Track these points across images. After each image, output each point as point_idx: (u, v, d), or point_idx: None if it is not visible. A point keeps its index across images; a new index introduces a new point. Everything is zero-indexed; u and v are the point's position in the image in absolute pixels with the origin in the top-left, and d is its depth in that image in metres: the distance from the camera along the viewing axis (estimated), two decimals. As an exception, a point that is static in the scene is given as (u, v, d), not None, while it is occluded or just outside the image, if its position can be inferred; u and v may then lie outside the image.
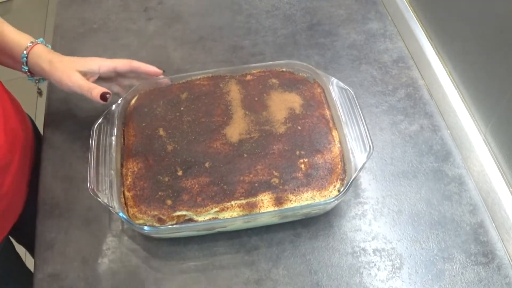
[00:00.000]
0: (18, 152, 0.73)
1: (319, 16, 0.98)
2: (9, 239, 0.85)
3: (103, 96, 0.68)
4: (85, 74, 0.71)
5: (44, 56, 0.70)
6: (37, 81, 0.76)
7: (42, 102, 0.88)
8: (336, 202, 0.66)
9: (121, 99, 0.74)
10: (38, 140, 0.84)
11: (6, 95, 0.74)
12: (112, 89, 0.75)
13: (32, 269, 0.69)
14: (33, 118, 0.89)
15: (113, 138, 0.69)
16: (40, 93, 0.81)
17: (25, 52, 0.70)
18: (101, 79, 0.73)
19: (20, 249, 0.94)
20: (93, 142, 0.69)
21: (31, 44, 0.71)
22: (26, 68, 0.72)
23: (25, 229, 0.76)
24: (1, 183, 0.69)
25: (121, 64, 0.73)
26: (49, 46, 0.74)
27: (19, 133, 0.75)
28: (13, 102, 0.77)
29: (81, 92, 0.69)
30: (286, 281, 0.66)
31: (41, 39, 0.73)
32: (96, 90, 0.68)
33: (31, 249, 0.78)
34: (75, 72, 0.69)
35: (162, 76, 0.77)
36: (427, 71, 0.87)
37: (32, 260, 0.70)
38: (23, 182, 0.77)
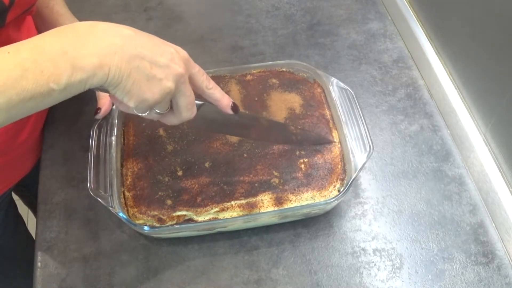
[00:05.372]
0: None
1: (319, 16, 0.98)
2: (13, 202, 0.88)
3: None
4: None
5: None
6: None
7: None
8: (336, 202, 0.66)
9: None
10: None
11: None
12: None
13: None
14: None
15: (113, 138, 0.69)
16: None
17: None
18: None
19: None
20: (93, 142, 0.69)
21: None
22: None
23: (33, 188, 0.77)
24: (22, 129, 0.72)
25: None
26: None
27: None
28: None
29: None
30: (286, 281, 0.66)
31: None
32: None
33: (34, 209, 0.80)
34: None
35: None
36: (427, 71, 0.87)
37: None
38: (39, 133, 0.79)
